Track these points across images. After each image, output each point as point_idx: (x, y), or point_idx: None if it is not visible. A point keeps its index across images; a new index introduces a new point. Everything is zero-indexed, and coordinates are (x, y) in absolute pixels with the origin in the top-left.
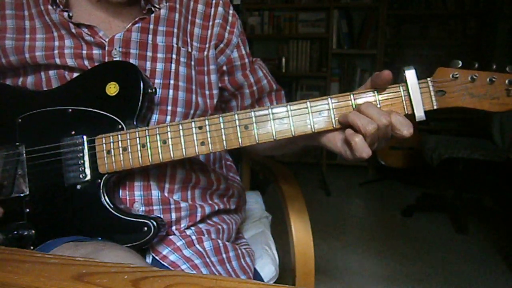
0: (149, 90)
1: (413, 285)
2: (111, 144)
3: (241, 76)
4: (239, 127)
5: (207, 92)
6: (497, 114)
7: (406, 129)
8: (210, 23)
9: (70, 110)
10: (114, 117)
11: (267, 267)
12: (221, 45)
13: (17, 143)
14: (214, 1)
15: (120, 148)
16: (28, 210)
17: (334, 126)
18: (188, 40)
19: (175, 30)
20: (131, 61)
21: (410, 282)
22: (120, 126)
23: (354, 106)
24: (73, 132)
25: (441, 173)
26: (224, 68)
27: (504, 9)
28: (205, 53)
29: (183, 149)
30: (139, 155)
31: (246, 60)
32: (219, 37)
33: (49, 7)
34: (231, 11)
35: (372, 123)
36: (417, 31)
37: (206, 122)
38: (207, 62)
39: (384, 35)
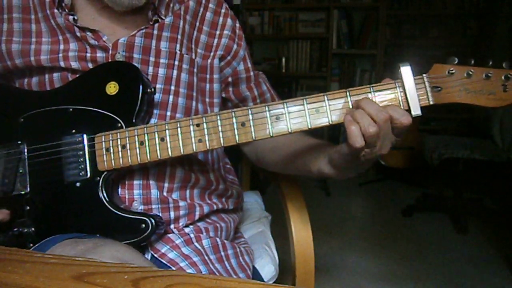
0: (148, 90)
1: (412, 285)
2: (110, 142)
3: (246, 88)
4: (236, 124)
5: (207, 100)
6: (497, 114)
7: (404, 118)
8: (218, 32)
9: (70, 109)
10: (113, 116)
11: (267, 267)
12: (228, 58)
13: (19, 142)
14: (223, 11)
15: (119, 146)
16: (28, 207)
17: (330, 122)
18: (193, 46)
19: (179, 37)
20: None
21: (409, 282)
22: (119, 125)
23: (350, 103)
24: (73, 131)
25: (441, 173)
26: (230, 79)
27: (504, 9)
28: (209, 60)
29: (181, 147)
30: (138, 153)
31: (251, 73)
32: (227, 48)
33: (55, 10)
34: (238, 25)
35: (374, 125)
36: (417, 31)
37: (204, 119)
38: (211, 70)
39: (384, 35)
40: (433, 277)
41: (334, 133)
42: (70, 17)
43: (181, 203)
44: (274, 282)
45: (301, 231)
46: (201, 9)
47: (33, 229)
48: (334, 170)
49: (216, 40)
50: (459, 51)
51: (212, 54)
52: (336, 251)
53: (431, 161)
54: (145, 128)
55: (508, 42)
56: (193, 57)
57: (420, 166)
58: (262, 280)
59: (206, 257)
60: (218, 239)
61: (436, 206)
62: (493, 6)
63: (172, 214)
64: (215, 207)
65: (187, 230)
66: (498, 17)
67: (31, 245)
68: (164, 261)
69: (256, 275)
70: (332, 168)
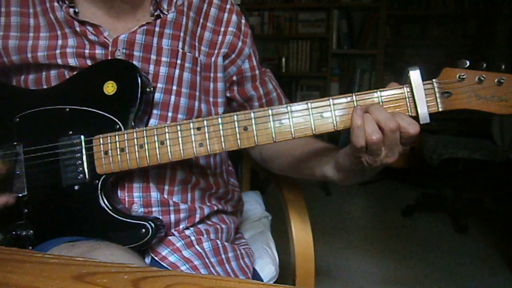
0: (147, 89)
1: (413, 285)
2: (109, 144)
3: (251, 87)
4: (238, 129)
5: (211, 99)
6: (497, 114)
7: (411, 127)
8: (222, 29)
9: (67, 109)
10: (111, 116)
11: (267, 267)
12: (233, 56)
13: (15, 143)
14: (228, 6)
15: (118, 149)
16: (26, 210)
17: (336, 127)
18: (196, 44)
19: (182, 34)
20: (134, 63)
21: (410, 282)
22: (117, 126)
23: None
24: (70, 132)
25: (441, 173)
26: (234, 78)
27: (504, 9)
28: (213, 58)
29: (181, 150)
30: (137, 156)
31: (257, 72)
32: (231, 46)
33: (55, 4)
34: (243, 21)
35: (378, 132)
36: (417, 31)
37: (205, 123)
38: (214, 69)
39: (384, 35)
40: (433, 277)
41: (333, 134)
42: (71, 10)
43: (182, 206)
44: (274, 282)
45: (301, 231)
46: (205, 5)
47: (31, 232)
48: (338, 175)
49: (220, 37)
50: (459, 51)
51: (216, 51)
52: (336, 251)
53: (431, 161)
54: (144, 131)
55: (508, 42)
56: (196, 55)
57: (420, 166)
58: (262, 281)
59: (207, 260)
60: (218, 242)
61: (436, 206)
62: (493, 6)
63: (172, 217)
64: (215, 208)
65: (187, 232)
66: (498, 17)
67: (30, 248)
68: (164, 264)
69: (255, 276)
70: (337, 172)
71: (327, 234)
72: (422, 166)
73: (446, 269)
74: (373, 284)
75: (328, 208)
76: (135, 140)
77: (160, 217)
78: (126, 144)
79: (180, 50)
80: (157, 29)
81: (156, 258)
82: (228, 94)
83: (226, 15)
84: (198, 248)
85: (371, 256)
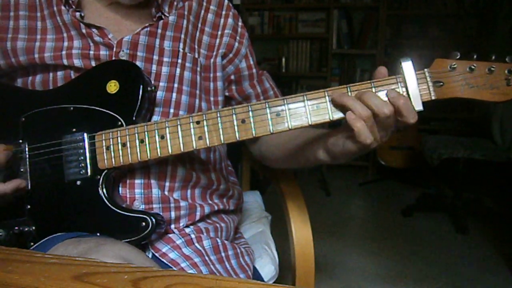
0: (149, 88)
1: (413, 285)
2: (111, 140)
3: (249, 86)
4: (236, 121)
5: (211, 98)
6: (497, 114)
7: (386, 109)
8: (219, 33)
9: (71, 108)
10: (114, 114)
11: (267, 267)
12: (230, 55)
13: (20, 141)
14: (224, 12)
15: (119, 144)
16: (29, 206)
17: (331, 119)
18: (196, 47)
19: (182, 36)
20: (138, 63)
21: (409, 282)
22: (120, 123)
23: None
24: (74, 129)
25: (441, 173)
26: (232, 77)
27: (504, 9)
28: (212, 60)
29: (181, 144)
30: (138, 151)
31: (254, 71)
32: (228, 46)
33: (62, 7)
34: (240, 23)
35: (388, 106)
36: (417, 31)
37: (204, 117)
38: (214, 69)
39: (384, 35)
40: (433, 277)
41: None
42: (77, 14)
43: (182, 203)
44: (274, 282)
45: (301, 231)
46: (203, 11)
47: (33, 228)
48: (329, 157)
49: (217, 40)
50: (459, 51)
51: (214, 53)
52: (336, 251)
53: (431, 161)
54: (145, 126)
55: (508, 42)
56: (196, 56)
57: (420, 166)
58: (262, 280)
59: (207, 258)
60: (218, 240)
61: (436, 206)
62: (493, 6)
63: (173, 214)
64: (216, 207)
65: (187, 230)
66: (498, 17)
67: (32, 244)
68: (165, 261)
69: (256, 275)
70: (328, 156)
71: (327, 234)
72: (422, 166)
73: (446, 269)
74: (373, 283)
75: (328, 208)
76: (136, 135)
77: (161, 214)
78: (128, 139)
79: (181, 51)
80: (159, 31)
81: (156, 255)
82: (226, 93)
83: (222, 20)
84: (198, 246)
85: (371, 256)
